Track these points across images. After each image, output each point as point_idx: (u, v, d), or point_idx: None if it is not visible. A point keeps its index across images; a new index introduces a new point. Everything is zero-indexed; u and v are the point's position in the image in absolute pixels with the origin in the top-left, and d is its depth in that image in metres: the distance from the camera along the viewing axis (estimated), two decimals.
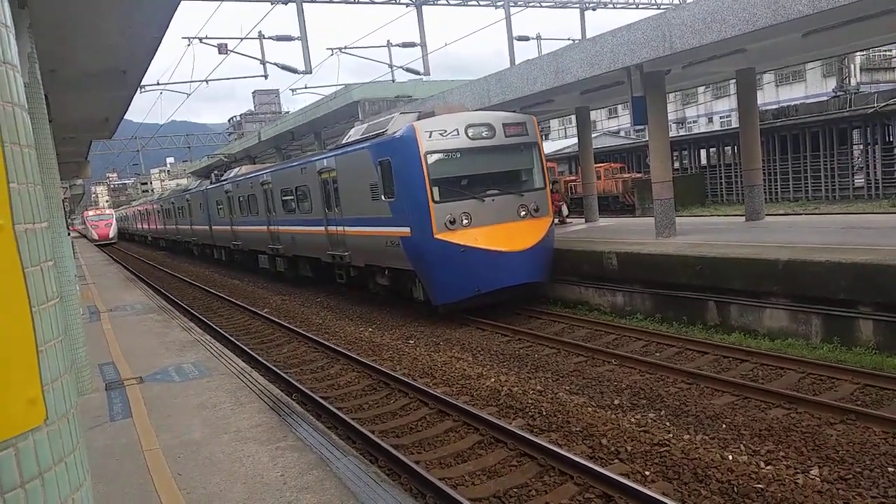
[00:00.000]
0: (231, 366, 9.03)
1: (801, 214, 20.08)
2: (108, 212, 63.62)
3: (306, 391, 9.08)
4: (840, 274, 9.18)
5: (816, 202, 25.88)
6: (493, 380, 9.21)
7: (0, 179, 1.32)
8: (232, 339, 13.01)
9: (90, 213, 62.45)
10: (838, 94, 34.76)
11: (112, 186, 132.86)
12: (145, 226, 51.75)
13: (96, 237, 55.80)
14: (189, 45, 20.69)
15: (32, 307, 1.36)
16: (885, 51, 44.15)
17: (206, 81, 24.05)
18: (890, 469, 5.75)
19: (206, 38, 20.54)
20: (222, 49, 20.35)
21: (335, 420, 7.92)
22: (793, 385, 8.09)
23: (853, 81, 42.26)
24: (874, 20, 10.56)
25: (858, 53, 40.17)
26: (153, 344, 10.84)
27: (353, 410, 8.58)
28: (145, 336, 11.63)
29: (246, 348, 12.10)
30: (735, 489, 5.56)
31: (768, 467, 5.95)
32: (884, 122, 24.95)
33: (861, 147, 25.94)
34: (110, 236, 57.05)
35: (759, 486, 5.56)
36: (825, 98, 35.26)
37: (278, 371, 10.27)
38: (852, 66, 42.39)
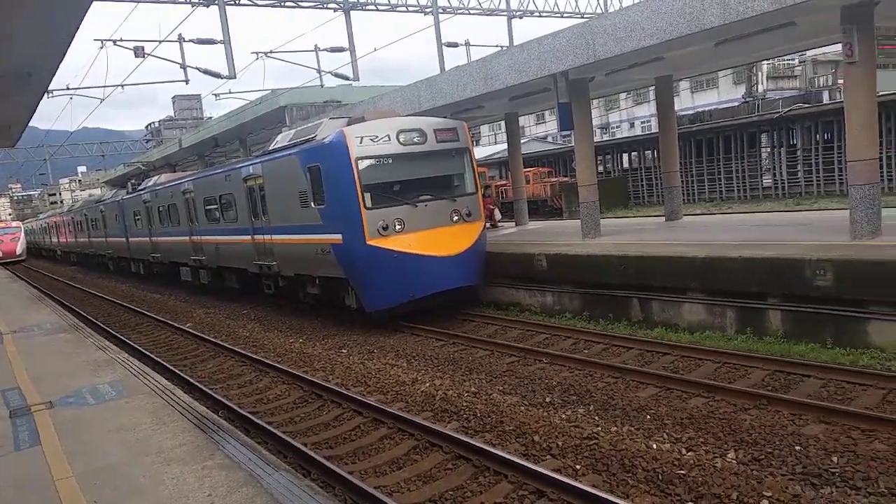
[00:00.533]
0: (152, 384, 8.63)
1: (715, 214, 21.08)
2: (14, 224, 55.64)
3: (233, 407, 8.81)
4: (752, 269, 9.70)
5: (730, 202, 27.24)
6: (427, 384, 9.22)
7: None
8: (152, 356, 12.48)
9: None
10: (747, 100, 36.89)
11: (15, 198, 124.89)
12: (54, 239, 48.79)
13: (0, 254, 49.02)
14: (102, 47, 19.80)
15: None
16: (789, 60, 47.08)
17: (122, 86, 23.08)
18: (797, 448, 6.12)
19: (121, 40, 19.72)
20: (139, 52, 19.57)
21: (265, 435, 7.73)
22: (711, 375, 8.49)
23: (760, 88, 44.90)
24: (776, 31, 11.23)
25: (765, 62, 42.68)
26: (65, 365, 10.19)
27: (284, 424, 8.39)
28: (55, 357, 10.92)
29: (168, 365, 11.64)
30: (660, 476, 5.78)
31: (689, 453, 6.22)
32: (788, 127, 26.53)
33: (768, 150, 27.48)
34: (17, 252, 49.58)
35: (682, 471, 5.81)
36: (736, 104, 37.28)
37: (203, 387, 9.92)
38: (760, 74, 45.04)
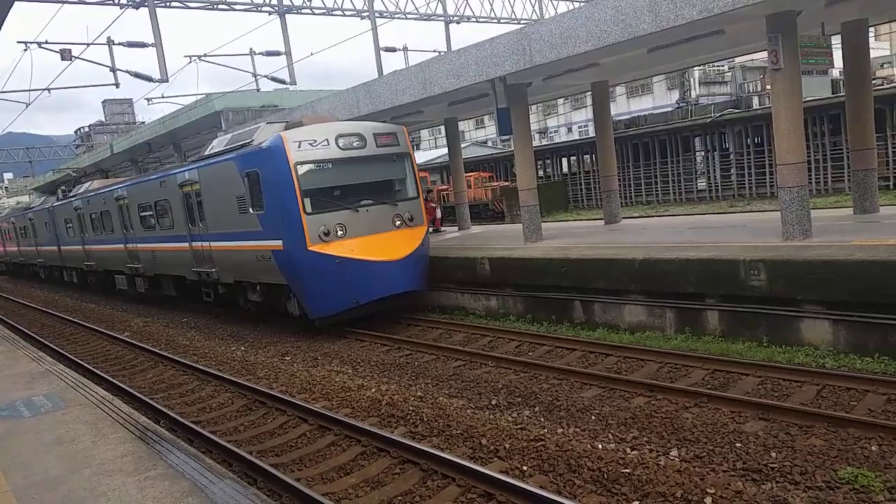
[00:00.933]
0: (90, 395, 8.32)
1: (653, 216, 21.71)
2: None
3: (175, 416, 8.56)
4: (689, 270, 10.03)
5: (666, 205, 28.13)
6: (373, 390, 9.17)
7: None
8: (89, 367, 12.00)
9: None
10: (681, 105, 38.19)
11: None
12: None
13: None
14: (26, 49, 18.91)
15: None
16: (719, 66, 49.08)
17: (49, 90, 22.08)
18: (737, 444, 6.32)
19: (47, 42, 18.88)
20: (66, 55, 18.76)
21: (209, 444, 7.53)
22: (652, 375, 8.72)
23: (693, 94, 46.60)
24: (705, 39, 11.70)
25: (696, 68, 44.35)
26: None
27: (228, 433, 8.19)
28: None
29: (106, 376, 11.23)
30: (605, 476, 5.89)
31: (634, 452, 6.37)
32: (720, 131, 27.60)
33: (702, 153, 28.53)
34: None
35: (626, 470, 5.94)
36: (670, 109, 38.54)
37: (143, 398, 9.60)
38: (692, 79, 46.75)
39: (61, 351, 13.83)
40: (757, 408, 7.07)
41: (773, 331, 9.18)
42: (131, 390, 10.13)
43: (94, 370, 11.73)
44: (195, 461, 5.80)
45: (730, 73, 49.94)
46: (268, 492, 6.09)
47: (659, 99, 49.80)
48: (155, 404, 9.23)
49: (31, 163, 51.85)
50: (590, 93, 17.84)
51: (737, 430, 6.65)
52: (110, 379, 10.97)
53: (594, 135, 18.83)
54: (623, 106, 51.42)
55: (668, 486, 5.59)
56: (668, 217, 20.64)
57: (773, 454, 6.05)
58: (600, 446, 6.56)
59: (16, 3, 7.12)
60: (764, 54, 11.07)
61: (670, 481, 5.66)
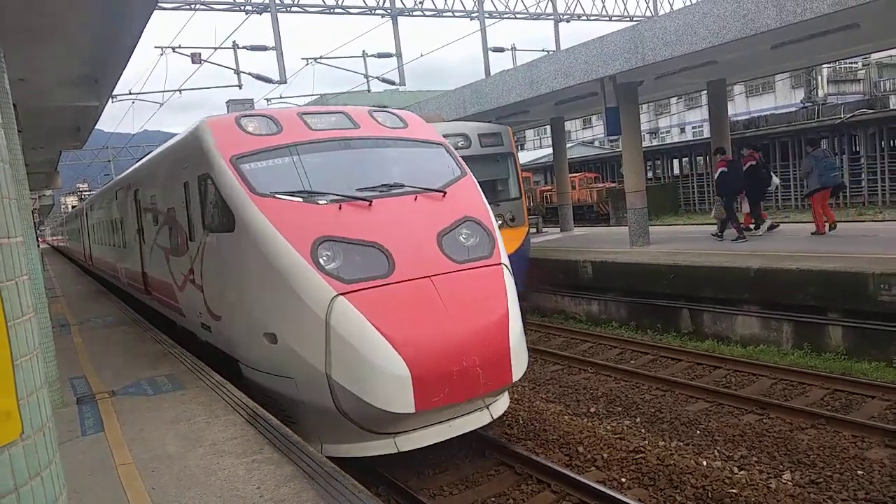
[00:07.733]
0: (205, 378, 8.87)
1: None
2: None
3: None
4: (810, 281, 9.36)
5: (787, 210, 26.37)
6: None
7: None
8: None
9: None
10: (806, 105, 35.61)
11: (82, 197, 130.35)
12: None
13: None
14: (162, 54, 20.51)
15: (7, 321, 1.35)
16: (851, 63, 45.38)
17: (180, 91, 23.84)
18: (859, 472, 5.84)
19: (180, 47, 20.37)
20: (195, 58, 20.16)
21: None
22: (765, 391, 8.22)
23: (821, 93, 43.31)
24: (837, 34, 10.86)
25: (825, 65, 41.18)
26: (125, 357, 10.59)
27: None
28: (117, 348, 11.34)
29: None
30: (709, 494, 5.62)
31: (742, 472, 6.03)
32: (850, 133, 25.56)
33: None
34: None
35: (733, 490, 5.63)
36: (794, 109, 36.06)
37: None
38: (819, 77, 43.46)
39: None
40: (882, 434, 6.50)
41: None
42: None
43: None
44: (298, 447, 6.05)
45: (863, 71, 46.02)
46: (365, 482, 6.27)
47: (781, 98, 46.74)
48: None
49: None
50: (705, 92, 17.07)
51: (858, 457, 6.14)
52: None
53: (708, 136, 17.96)
54: (742, 105, 48.66)
55: None
56: (788, 224, 19.30)
57: None
58: (705, 463, 6.27)
59: (154, 10, 7.74)
60: None
61: None
